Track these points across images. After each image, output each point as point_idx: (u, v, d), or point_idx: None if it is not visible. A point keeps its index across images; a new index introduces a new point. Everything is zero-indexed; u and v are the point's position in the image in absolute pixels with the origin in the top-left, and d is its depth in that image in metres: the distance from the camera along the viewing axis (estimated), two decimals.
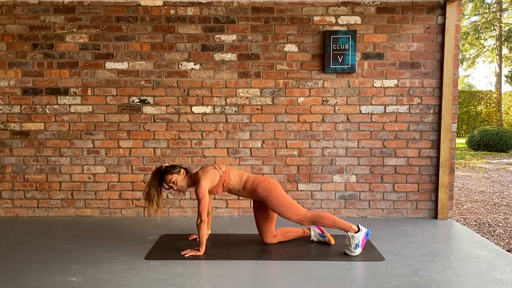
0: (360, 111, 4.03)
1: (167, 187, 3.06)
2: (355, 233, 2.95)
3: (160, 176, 3.02)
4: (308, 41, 3.98)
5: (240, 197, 4.07)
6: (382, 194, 4.09)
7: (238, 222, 3.92)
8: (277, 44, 3.98)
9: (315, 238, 3.28)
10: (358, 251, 2.95)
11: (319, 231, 3.25)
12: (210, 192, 3.07)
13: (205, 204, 2.91)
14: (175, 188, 3.03)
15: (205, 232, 2.98)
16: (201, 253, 2.96)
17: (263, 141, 4.06)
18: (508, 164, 9.76)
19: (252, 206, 4.10)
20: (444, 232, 3.63)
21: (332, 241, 3.19)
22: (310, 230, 3.30)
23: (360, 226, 2.98)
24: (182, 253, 2.95)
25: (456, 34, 3.92)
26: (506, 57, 20.17)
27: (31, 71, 4.01)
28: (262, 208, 3.14)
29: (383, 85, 4.01)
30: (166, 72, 4.01)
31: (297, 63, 4.00)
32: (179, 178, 3.03)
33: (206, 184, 2.96)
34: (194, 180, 3.04)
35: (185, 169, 3.10)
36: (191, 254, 2.94)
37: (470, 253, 3.08)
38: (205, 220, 2.90)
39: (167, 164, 3.10)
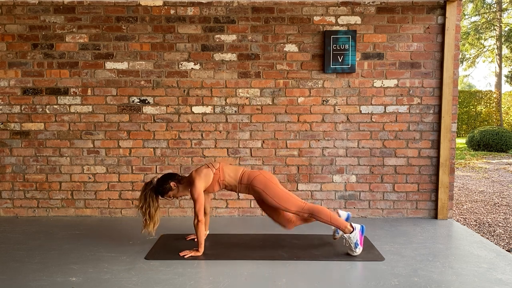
0: (360, 111, 4.03)
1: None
2: (350, 233, 2.93)
3: (156, 192, 3.03)
4: (308, 41, 3.98)
5: (239, 197, 4.07)
6: (382, 194, 4.09)
7: (238, 222, 3.92)
8: (277, 44, 3.98)
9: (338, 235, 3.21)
10: (359, 249, 2.94)
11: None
12: (207, 191, 3.08)
13: (200, 205, 2.92)
14: (176, 198, 3.12)
15: (203, 232, 2.98)
16: (200, 253, 2.96)
17: (263, 141, 4.06)
18: (508, 164, 9.76)
19: (252, 206, 4.10)
20: (444, 232, 3.63)
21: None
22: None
23: (354, 225, 2.95)
24: (181, 254, 2.94)
25: (456, 34, 3.92)
26: (506, 57, 20.15)
27: (31, 71, 4.01)
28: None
29: (383, 85, 4.00)
30: (166, 72, 4.01)
31: (297, 63, 4.00)
32: (174, 193, 3.08)
33: (200, 184, 2.96)
34: (189, 182, 3.03)
35: (176, 180, 3.05)
36: (190, 255, 2.93)
37: (470, 253, 3.08)
38: (202, 220, 2.91)
39: (158, 177, 3.08)
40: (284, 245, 3.21)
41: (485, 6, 18.90)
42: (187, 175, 3.25)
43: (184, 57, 4.00)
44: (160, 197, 3.06)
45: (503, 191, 6.65)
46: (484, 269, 2.74)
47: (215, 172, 3.03)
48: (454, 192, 4.45)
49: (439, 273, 2.67)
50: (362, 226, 2.99)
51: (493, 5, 18.98)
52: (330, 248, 3.14)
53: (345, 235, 2.95)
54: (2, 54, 4.00)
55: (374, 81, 4.00)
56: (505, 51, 19.51)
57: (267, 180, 3.01)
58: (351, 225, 2.96)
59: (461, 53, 19.74)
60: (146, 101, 4.03)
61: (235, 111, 4.04)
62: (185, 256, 2.92)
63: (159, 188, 3.02)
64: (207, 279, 2.55)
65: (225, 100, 4.03)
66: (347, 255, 2.95)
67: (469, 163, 10.01)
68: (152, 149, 4.07)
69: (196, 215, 2.91)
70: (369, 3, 3.93)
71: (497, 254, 3.03)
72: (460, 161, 10.31)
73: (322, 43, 3.97)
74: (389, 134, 4.05)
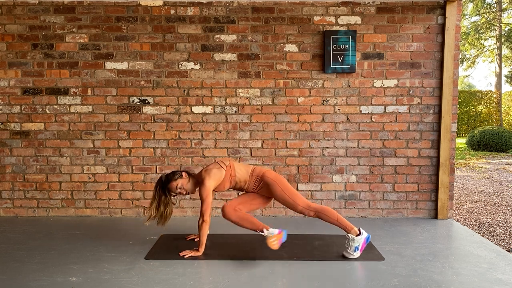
0: (360, 111, 4.03)
1: (174, 194, 3.04)
2: (356, 236, 2.91)
3: (164, 186, 3.00)
4: (308, 41, 3.98)
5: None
6: (382, 194, 4.09)
7: None
8: (277, 44, 3.98)
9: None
10: (357, 254, 2.90)
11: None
12: (217, 190, 3.05)
13: (208, 205, 2.88)
14: (184, 193, 3.02)
15: (206, 232, 2.97)
16: (200, 253, 2.95)
17: (263, 141, 4.06)
18: (508, 164, 9.76)
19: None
20: (444, 232, 3.63)
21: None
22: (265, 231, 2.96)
23: (362, 230, 2.93)
24: (181, 254, 2.94)
25: (456, 34, 3.92)
26: (506, 57, 20.16)
27: (31, 71, 4.01)
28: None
29: (383, 85, 4.00)
30: (166, 72, 4.01)
31: (297, 63, 4.00)
32: (184, 182, 3.01)
33: (210, 183, 2.92)
34: (198, 181, 3.02)
35: (186, 171, 3.08)
36: (190, 255, 2.93)
37: (470, 253, 3.08)
38: (208, 221, 2.89)
39: (167, 172, 3.07)
40: (284, 245, 3.20)
41: (485, 6, 18.90)
42: (196, 171, 3.23)
43: (184, 57, 4.00)
44: (172, 192, 3.02)
45: (503, 191, 6.65)
46: (484, 269, 2.74)
47: (226, 169, 3.01)
48: (454, 192, 4.46)
49: (439, 273, 2.67)
50: (368, 236, 2.97)
51: (493, 5, 18.98)
52: (330, 248, 3.14)
53: (349, 235, 2.93)
54: (2, 54, 4.00)
55: (374, 81, 4.00)
56: (505, 51, 19.52)
57: (277, 174, 3.07)
58: (359, 229, 2.94)
59: (461, 53, 19.75)
60: (146, 101, 4.03)
61: (235, 111, 4.04)
62: (185, 256, 2.91)
63: (167, 182, 2.98)
64: (207, 279, 2.55)
65: (225, 100, 4.03)
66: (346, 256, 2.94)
67: (469, 163, 10.01)
68: (152, 149, 4.07)
69: (202, 215, 2.88)
70: (369, 3, 3.93)
71: (497, 254, 3.03)
72: (460, 161, 10.31)
73: (322, 43, 3.97)
74: (389, 134, 4.05)
